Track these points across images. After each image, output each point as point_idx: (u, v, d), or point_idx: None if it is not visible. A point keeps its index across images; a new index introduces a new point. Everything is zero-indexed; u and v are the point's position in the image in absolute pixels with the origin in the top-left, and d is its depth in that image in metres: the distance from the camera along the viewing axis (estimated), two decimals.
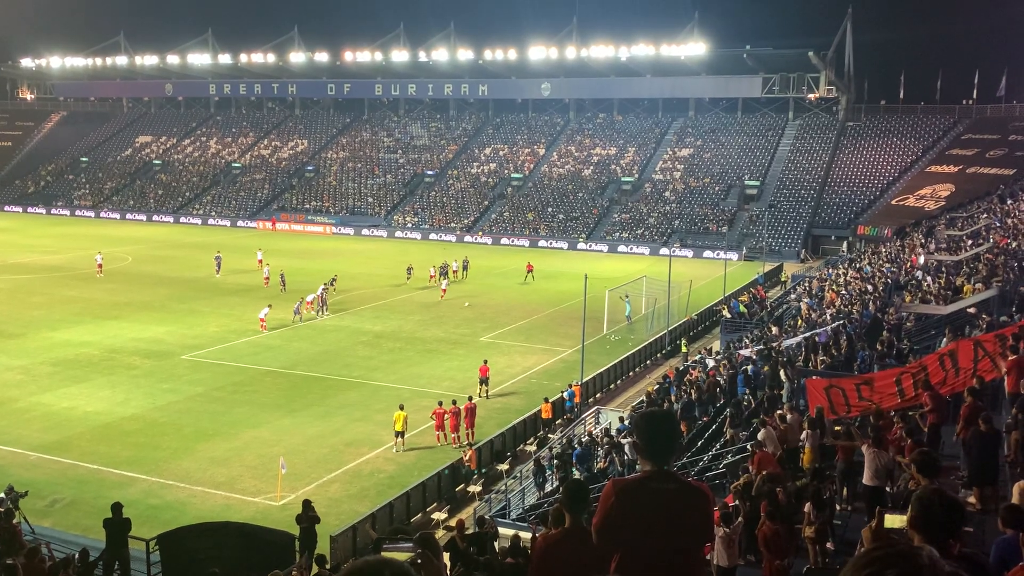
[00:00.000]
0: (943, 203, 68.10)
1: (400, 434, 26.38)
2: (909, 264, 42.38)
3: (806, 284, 52.18)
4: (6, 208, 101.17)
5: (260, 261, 57.50)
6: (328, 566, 15.30)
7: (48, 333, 39.86)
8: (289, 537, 18.18)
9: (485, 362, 32.75)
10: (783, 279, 59.90)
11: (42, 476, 23.93)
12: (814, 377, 20.20)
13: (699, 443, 22.73)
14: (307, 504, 18.85)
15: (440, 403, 27.76)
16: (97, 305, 46.22)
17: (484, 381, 32.04)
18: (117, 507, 16.09)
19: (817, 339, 29.23)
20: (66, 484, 23.73)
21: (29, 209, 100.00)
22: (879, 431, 13.99)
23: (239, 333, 40.70)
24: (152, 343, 38.53)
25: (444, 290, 49.82)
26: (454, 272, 55.89)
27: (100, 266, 54.86)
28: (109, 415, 29.23)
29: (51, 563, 12.57)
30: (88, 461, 25.19)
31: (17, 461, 25.03)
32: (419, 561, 2.69)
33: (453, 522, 21.82)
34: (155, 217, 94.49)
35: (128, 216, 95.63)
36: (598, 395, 33.35)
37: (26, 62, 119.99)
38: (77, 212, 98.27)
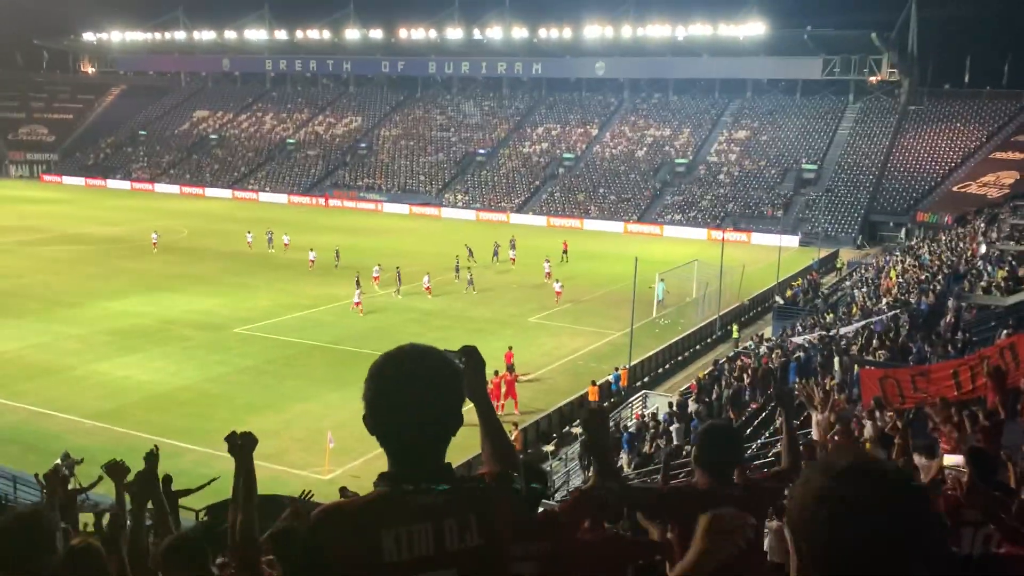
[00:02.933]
0: (1007, 191, 66.18)
1: None
2: (970, 253, 41.30)
3: (862, 271, 51.21)
4: (66, 179, 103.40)
5: (286, 244, 56.36)
6: None
7: (105, 303, 40.68)
8: None
9: (510, 348, 31.48)
10: (839, 266, 58.82)
11: (97, 443, 24.41)
12: (868, 367, 19.77)
13: (748, 431, 22.42)
14: (343, 491, 19.03)
15: (490, 380, 27.73)
16: (153, 277, 47.04)
17: (510, 368, 30.33)
18: (167, 480, 16.29)
19: (872, 328, 28.65)
20: (120, 452, 23.82)
21: (89, 181, 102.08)
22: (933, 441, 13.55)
23: (290, 308, 41.13)
24: (205, 315, 39.12)
25: (559, 292, 44.62)
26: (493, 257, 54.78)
27: (155, 244, 55.04)
28: (163, 385, 29.78)
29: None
30: (142, 430, 25.62)
31: (73, 428, 25.62)
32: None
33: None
34: (211, 191, 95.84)
35: (185, 189, 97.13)
36: (645, 379, 33.06)
37: (87, 36, 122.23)
38: (135, 185, 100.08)
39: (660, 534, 5.32)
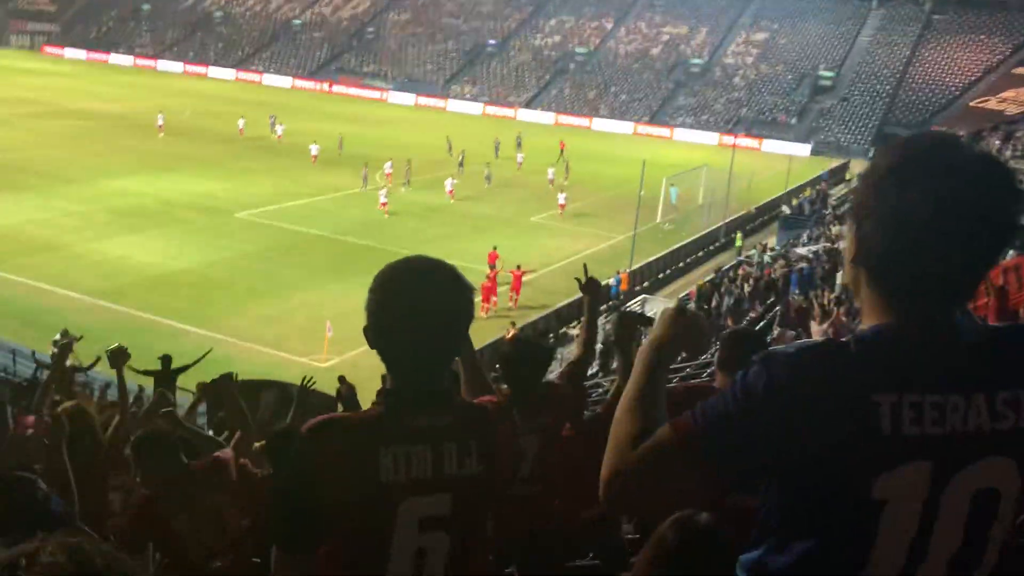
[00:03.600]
0: None
1: None
2: None
3: None
4: (68, 52, 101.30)
5: (280, 136, 53.39)
6: None
7: (105, 181, 40.35)
8: (331, 400, 18.52)
9: (494, 248, 30.32)
10: (848, 177, 58.15)
11: (96, 322, 24.49)
12: None
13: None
14: (341, 380, 19.35)
15: (487, 275, 27.73)
16: (154, 156, 46.54)
17: (492, 267, 29.40)
18: (166, 359, 16.34)
19: None
20: (119, 331, 24.25)
21: (91, 55, 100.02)
22: None
23: (292, 195, 40.81)
24: (207, 198, 38.85)
25: (563, 206, 41.36)
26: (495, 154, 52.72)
27: (161, 127, 52.62)
28: (163, 267, 29.79)
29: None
30: (141, 310, 25.78)
31: (72, 305, 25.72)
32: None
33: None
34: (214, 71, 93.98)
35: (188, 68, 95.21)
36: (645, 283, 33.04)
37: None
38: (138, 61, 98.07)
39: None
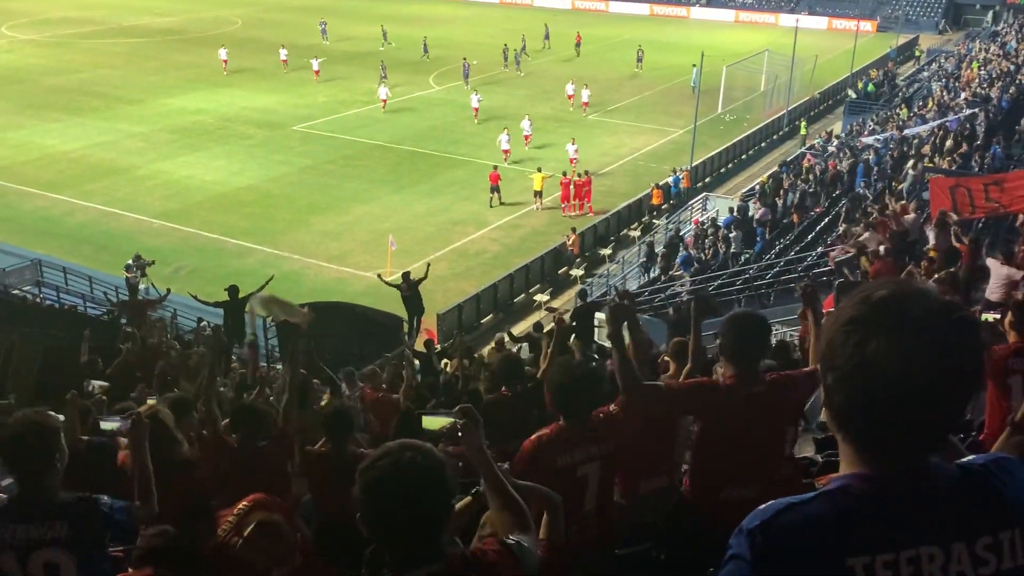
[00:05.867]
0: None
1: (538, 194, 27.89)
2: None
3: (941, 60, 48.52)
4: None
5: (317, 72, 45.06)
6: (438, 348, 15.90)
7: (165, 100, 40.71)
8: (398, 320, 18.96)
9: (495, 168, 28.94)
10: (917, 54, 55.64)
11: (165, 243, 25.26)
12: (939, 176, 19.06)
13: (809, 236, 22.10)
14: (406, 275, 19.83)
15: (565, 172, 28.30)
16: (210, 71, 46.61)
17: (495, 189, 28.40)
18: (234, 290, 16.79)
19: (948, 126, 27.42)
20: (188, 252, 25.00)
21: None
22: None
23: (348, 104, 40.71)
24: (264, 112, 39.01)
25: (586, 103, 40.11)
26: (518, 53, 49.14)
27: (225, 62, 46.91)
28: (225, 185, 30.25)
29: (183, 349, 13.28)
30: (207, 230, 26.36)
31: (142, 228, 26.42)
32: (459, 433, 2.84)
33: (556, 304, 22.31)
34: None
35: None
36: (707, 180, 32.48)
37: None
38: None
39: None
